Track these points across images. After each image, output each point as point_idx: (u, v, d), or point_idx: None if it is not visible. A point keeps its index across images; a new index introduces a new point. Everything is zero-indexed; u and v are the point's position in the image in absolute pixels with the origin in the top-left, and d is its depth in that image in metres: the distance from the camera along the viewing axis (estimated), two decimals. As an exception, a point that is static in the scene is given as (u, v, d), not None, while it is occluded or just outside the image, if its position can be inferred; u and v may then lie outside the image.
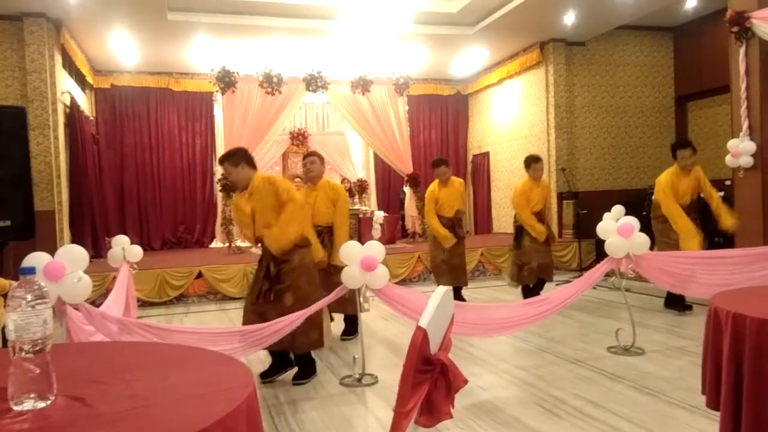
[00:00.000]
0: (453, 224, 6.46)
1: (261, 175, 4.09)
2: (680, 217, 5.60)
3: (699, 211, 5.97)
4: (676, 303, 5.88)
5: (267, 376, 4.14)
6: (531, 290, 6.17)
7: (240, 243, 9.32)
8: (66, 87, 8.69)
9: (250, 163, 4.04)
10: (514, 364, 4.37)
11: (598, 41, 10.33)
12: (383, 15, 7.88)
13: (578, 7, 8.43)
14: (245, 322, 4.03)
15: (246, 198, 4.00)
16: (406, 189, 11.03)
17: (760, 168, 6.24)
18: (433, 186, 6.55)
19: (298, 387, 4.01)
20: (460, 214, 6.59)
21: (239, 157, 3.99)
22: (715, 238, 7.38)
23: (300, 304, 3.90)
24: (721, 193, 7.62)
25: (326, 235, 5.17)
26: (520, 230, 6.34)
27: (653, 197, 5.98)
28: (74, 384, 1.40)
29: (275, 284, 3.95)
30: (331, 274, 4.91)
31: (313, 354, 4.27)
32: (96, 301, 6.06)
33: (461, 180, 6.80)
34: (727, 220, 5.64)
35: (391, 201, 12.44)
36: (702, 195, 5.88)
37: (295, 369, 4.20)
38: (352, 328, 5.30)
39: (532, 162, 6.29)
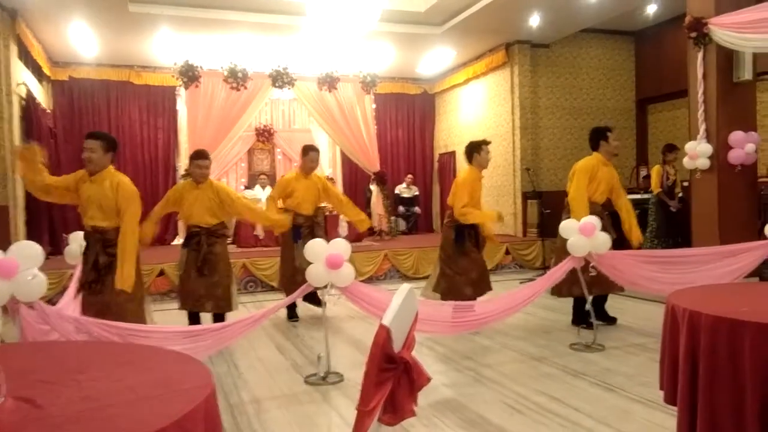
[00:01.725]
0: (312, 224, 5.88)
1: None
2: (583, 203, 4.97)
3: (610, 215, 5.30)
4: (580, 318, 5.08)
5: None
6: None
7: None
8: (22, 78, 8.40)
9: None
10: (479, 362, 4.40)
11: (562, 44, 10.50)
12: (351, 12, 7.84)
13: (543, 9, 8.55)
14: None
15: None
16: (373, 187, 11.02)
17: (716, 170, 6.43)
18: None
19: (262, 386, 3.97)
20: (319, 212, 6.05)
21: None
22: (678, 238, 7.61)
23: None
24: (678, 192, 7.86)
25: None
26: (460, 232, 5.41)
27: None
28: (25, 385, 1.35)
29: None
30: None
31: (278, 352, 4.24)
32: (53, 299, 5.89)
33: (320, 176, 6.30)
34: (636, 234, 5.18)
35: (357, 199, 12.36)
36: (612, 197, 5.28)
37: None
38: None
39: (484, 144, 5.55)
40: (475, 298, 5.17)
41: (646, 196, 8.71)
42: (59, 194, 4.18)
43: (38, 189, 4.11)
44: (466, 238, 5.40)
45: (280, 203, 5.98)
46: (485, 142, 5.56)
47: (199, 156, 5.10)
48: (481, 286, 5.45)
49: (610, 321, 5.38)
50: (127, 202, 3.98)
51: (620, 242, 5.11)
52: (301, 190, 5.80)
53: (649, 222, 8.01)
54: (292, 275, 5.66)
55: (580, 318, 5.10)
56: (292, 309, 6.01)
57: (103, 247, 3.98)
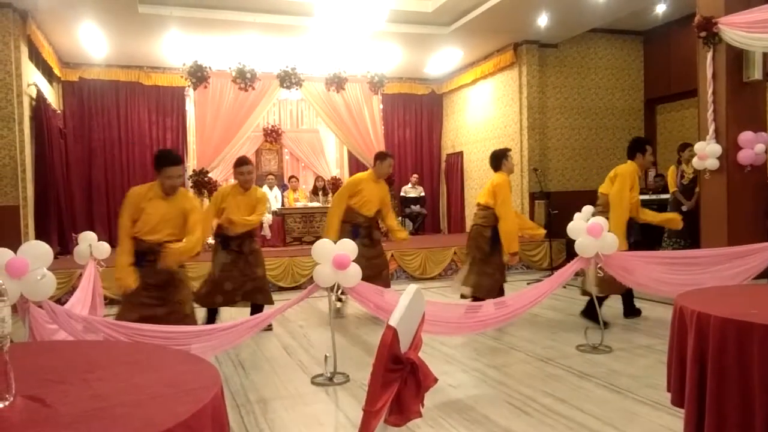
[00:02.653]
0: (370, 225, 6.01)
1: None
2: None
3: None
4: (591, 314, 5.16)
5: None
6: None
7: (210, 241, 9.18)
8: (32, 79, 8.47)
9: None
10: (485, 363, 4.40)
11: (571, 44, 10.46)
12: (358, 13, 7.85)
13: (551, 9, 8.52)
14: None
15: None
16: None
17: (725, 170, 6.39)
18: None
19: (269, 386, 3.98)
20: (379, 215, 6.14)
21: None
22: (688, 240, 7.54)
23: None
24: (697, 190, 7.75)
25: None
26: (496, 234, 5.46)
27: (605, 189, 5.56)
28: (34, 384, 1.36)
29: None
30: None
31: (285, 352, 4.27)
32: (62, 299, 5.93)
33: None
34: (666, 216, 5.73)
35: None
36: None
37: None
38: None
39: (508, 152, 5.71)
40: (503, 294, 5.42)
41: (654, 197, 8.65)
42: None
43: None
44: (498, 241, 5.48)
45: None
46: (508, 150, 5.78)
47: (242, 163, 5.43)
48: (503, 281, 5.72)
49: (637, 313, 5.72)
50: (197, 212, 4.29)
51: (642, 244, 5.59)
52: (368, 192, 5.93)
53: None
54: None
55: (630, 310, 5.66)
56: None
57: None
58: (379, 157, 6.17)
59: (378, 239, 6.03)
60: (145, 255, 4.05)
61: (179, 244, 4.00)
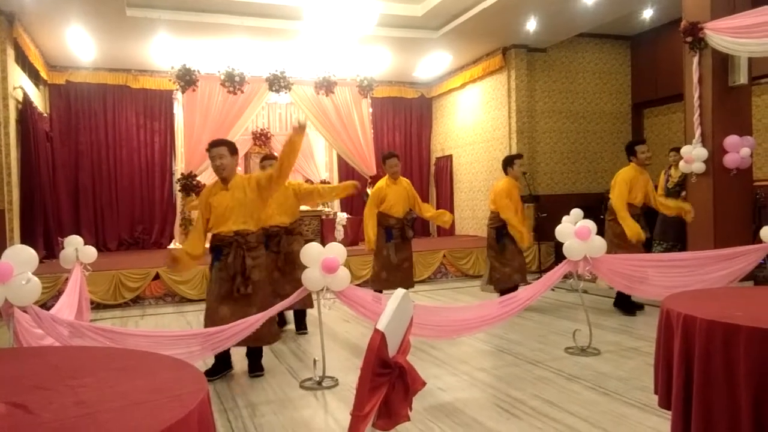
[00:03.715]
0: (402, 225, 6.19)
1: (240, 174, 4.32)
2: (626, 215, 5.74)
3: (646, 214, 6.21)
4: (624, 305, 5.98)
5: (210, 375, 4.18)
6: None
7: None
8: (18, 82, 8.38)
9: (237, 160, 4.30)
10: (474, 366, 4.40)
11: (559, 48, 10.53)
12: (348, 16, 7.86)
13: (540, 14, 8.58)
14: (210, 319, 4.08)
15: (225, 192, 4.12)
16: (370, 191, 11.00)
17: (711, 174, 6.45)
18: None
19: (257, 390, 3.96)
20: (410, 215, 6.33)
21: (234, 148, 4.21)
22: (671, 242, 7.60)
23: (263, 299, 4.18)
24: (684, 194, 7.80)
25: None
26: (500, 232, 6.27)
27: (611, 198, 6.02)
28: (18, 390, 1.35)
29: (244, 280, 4.07)
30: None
31: (274, 356, 4.24)
32: (47, 304, 5.87)
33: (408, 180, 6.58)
34: (678, 204, 6.08)
35: (354, 203, 12.40)
36: (647, 201, 6.04)
37: (232, 370, 4.39)
38: (302, 323, 5.75)
39: (515, 158, 6.38)
40: (520, 284, 6.18)
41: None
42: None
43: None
44: (504, 236, 6.26)
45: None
46: (518, 156, 6.50)
47: (267, 158, 5.57)
48: (523, 273, 6.38)
49: (639, 308, 6.05)
50: (261, 175, 4.26)
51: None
52: (392, 195, 6.17)
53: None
54: (378, 272, 6.18)
55: (621, 302, 6.01)
56: (299, 319, 5.86)
57: (247, 251, 4.08)
58: (382, 160, 6.52)
59: (410, 237, 6.28)
60: (222, 248, 4.09)
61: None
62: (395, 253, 6.09)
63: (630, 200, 5.82)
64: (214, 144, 4.17)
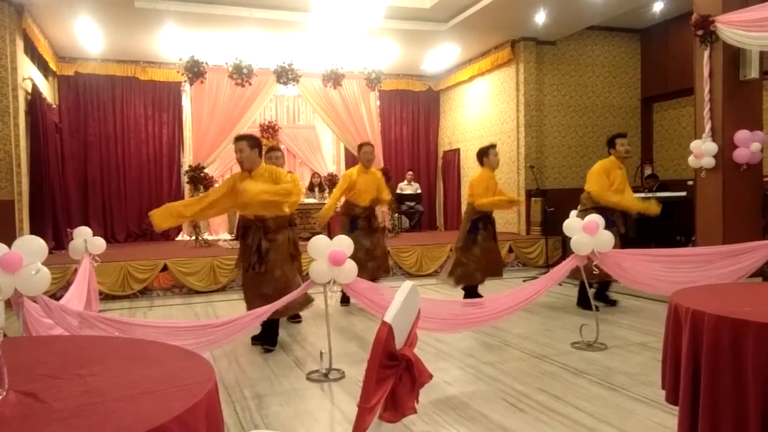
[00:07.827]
0: (369, 214, 6.24)
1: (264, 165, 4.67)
2: (615, 196, 5.69)
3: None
4: (585, 302, 5.60)
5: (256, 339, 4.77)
6: (475, 291, 6.04)
7: (207, 236, 9.18)
8: (28, 73, 8.43)
9: (261, 152, 4.64)
10: (480, 359, 4.40)
11: (568, 41, 10.46)
12: (356, 9, 7.83)
13: (549, 6, 8.52)
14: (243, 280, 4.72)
15: (249, 180, 4.47)
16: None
17: (721, 169, 6.40)
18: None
19: (264, 382, 3.98)
20: (376, 203, 6.39)
21: (255, 142, 4.55)
22: (676, 236, 7.57)
23: (277, 280, 4.50)
24: (683, 193, 7.80)
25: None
26: (475, 225, 5.98)
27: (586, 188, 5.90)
28: (28, 379, 1.36)
29: (258, 259, 4.47)
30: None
31: (280, 348, 4.30)
32: (57, 294, 5.92)
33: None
34: (638, 203, 5.88)
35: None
36: None
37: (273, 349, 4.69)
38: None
39: (490, 149, 6.17)
40: (483, 282, 6.06)
41: (650, 194, 8.66)
42: (221, 205, 4.65)
43: (203, 216, 4.82)
44: (479, 230, 5.98)
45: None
46: (492, 146, 6.22)
47: (273, 149, 5.72)
48: (491, 270, 6.08)
49: (611, 303, 6.02)
50: (283, 177, 4.56)
51: (629, 238, 5.84)
52: (361, 183, 6.21)
53: None
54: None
55: (583, 302, 5.78)
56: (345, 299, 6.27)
57: (264, 233, 4.49)
58: (358, 147, 6.54)
59: (376, 227, 6.32)
60: (246, 228, 4.61)
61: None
62: (363, 241, 5.99)
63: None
64: (237, 139, 4.60)
